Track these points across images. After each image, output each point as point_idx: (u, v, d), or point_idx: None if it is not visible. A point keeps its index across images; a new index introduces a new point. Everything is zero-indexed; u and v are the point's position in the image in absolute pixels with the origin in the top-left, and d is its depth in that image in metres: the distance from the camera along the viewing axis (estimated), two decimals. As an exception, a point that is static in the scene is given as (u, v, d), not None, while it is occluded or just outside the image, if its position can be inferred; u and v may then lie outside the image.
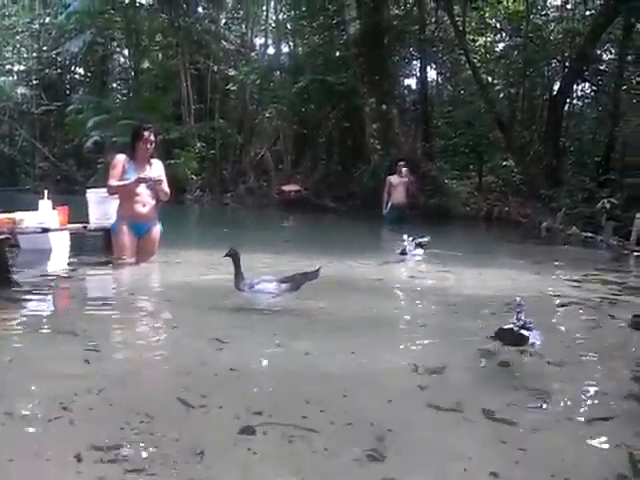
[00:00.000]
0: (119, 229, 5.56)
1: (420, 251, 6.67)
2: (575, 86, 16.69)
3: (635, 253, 8.19)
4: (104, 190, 5.79)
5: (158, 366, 2.90)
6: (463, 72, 19.32)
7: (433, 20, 18.31)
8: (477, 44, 18.90)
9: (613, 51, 16.18)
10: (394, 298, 4.89)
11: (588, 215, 10.89)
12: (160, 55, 22.84)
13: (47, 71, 24.11)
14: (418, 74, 18.49)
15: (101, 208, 6.17)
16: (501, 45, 19.24)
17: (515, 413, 2.31)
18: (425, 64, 17.68)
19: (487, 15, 18.00)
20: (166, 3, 20.16)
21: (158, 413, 2.19)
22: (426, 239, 6.75)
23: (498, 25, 18.65)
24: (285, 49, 20.74)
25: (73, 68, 25.76)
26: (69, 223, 6.19)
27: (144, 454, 1.89)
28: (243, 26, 22.62)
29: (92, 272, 5.32)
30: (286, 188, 17.04)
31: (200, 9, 22.29)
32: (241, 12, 22.88)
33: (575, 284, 5.36)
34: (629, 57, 15.00)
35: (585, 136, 17.26)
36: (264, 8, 21.71)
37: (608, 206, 10.45)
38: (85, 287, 4.99)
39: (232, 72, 21.17)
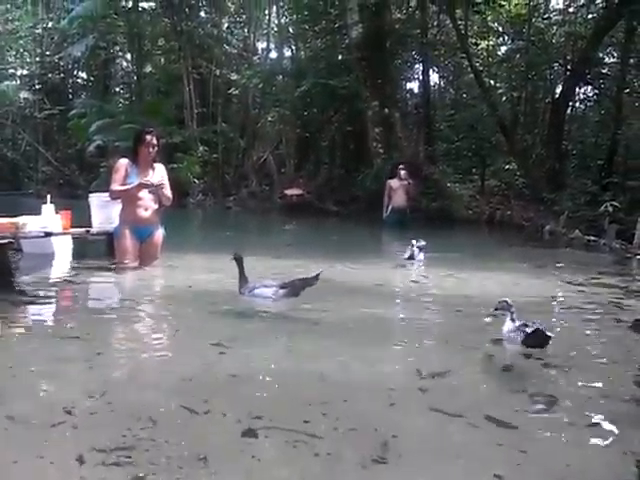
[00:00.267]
0: (122, 233, 5.56)
1: (421, 255, 6.67)
2: (577, 89, 16.64)
3: (638, 256, 8.16)
4: (107, 194, 5.79)
5: (161, 371, 2.89)
6: (465, 75, 19.33)
7: (435, 24, 18.30)
8: (479, 47, 18.87)
9: (615, 54, 16.13)
10: (397, 302, 4.88)
11: (591, 218, 10.85)
12: (163, 59, 22.85)
13: (50, 75, 24.15)
14: (420, 78, 18.48)
15: (104, 212, 6.17)
16: (503, 48, 19.22)
17: (519, 417, 2.31)
18: (427, 68, 17.66)
19: (489, 19, 17.95)
20: (169, 7, 20.20)
21: (161, 417, 2.20)
22: (423, 243, 6.74)
23: (500, 28, 18.63)
24: (287, 53, 20.71)
25: (76, 72, 25.78)
26: (72, 227, 6.18)
27: (147, 458, 1.89)
28: (245, 30, 22.63)
29: (95, 276, 5.32)
30: (289, 192, 17.01)
31: (202, 13, 22.33)
32: (243, 16, 22.90)
33: (578, 287, 5.35)
34: (631, 60, 14.97)
35: (588, 139, 17.21)
36: (266, 12, 21.71)
37: (611, 209, 10.41)
38: (88, 291, 4.98)
39: (234, 76, 21.17)
